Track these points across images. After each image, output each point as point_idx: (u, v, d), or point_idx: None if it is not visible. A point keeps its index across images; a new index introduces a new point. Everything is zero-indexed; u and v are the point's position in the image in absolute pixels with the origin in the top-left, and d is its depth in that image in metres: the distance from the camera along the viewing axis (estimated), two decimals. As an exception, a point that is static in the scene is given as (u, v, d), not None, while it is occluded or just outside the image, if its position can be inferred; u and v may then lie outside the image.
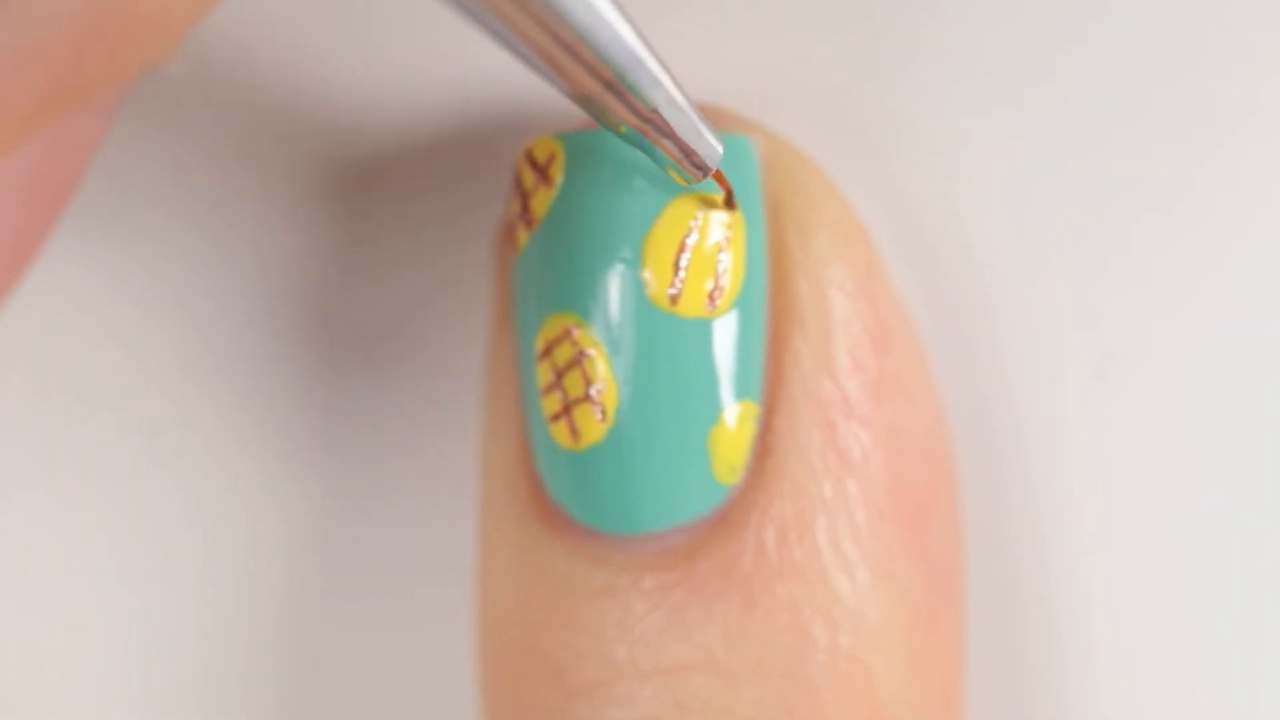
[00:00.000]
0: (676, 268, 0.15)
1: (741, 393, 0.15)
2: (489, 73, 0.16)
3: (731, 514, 0.15)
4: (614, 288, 0.15)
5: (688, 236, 0.15)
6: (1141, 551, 0.17)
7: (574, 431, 0.15)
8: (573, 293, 0.15)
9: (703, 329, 0.15)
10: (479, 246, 0.17)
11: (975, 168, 0.17)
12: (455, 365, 0.18)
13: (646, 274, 0.15)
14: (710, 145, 0.14)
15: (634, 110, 0.13)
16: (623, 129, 0.14)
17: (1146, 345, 0.17)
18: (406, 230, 0.17)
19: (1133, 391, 0.17)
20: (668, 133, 0.14)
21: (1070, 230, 0.17)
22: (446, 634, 0.18)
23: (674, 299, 0.15)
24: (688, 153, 0.14)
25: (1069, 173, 0.16)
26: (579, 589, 0.15)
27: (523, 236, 0.15)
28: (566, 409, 0.15)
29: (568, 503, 0.15)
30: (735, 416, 0.15)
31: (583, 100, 0.13)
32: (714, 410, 0.15)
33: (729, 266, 0.15)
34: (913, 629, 0.16)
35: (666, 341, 0.15)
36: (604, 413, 0.15)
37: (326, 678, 0.18)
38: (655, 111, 0.13)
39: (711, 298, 0.15)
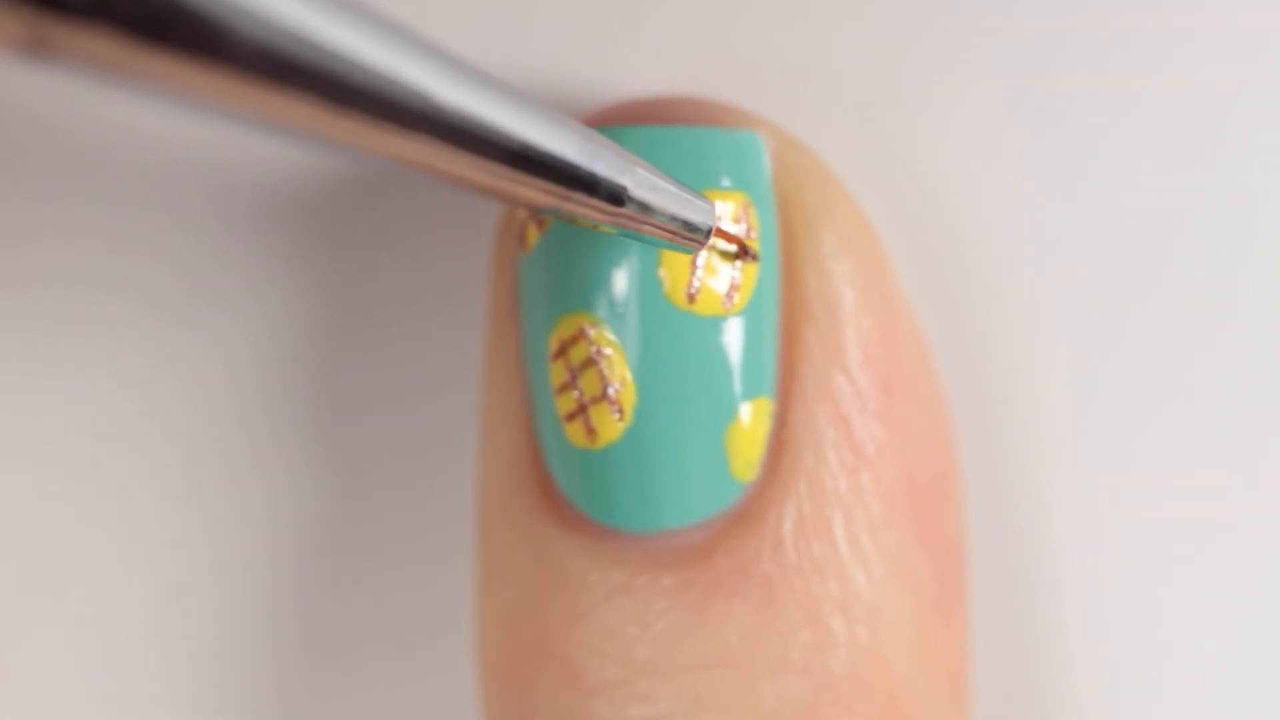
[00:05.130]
0: (694, 265, 0.15)
1: (757, 389, 0.15)
2: (493, 69, 0.16)
3: (748, 511, 0.15)
4: (631, 287, 0.15)
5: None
6: (1138, 536, 0.17)
7: (590, 431, 0.15)
8: (588, 292, 0.15)
9: (721, 326, 0.15)
10: (476, 244, 0.17)
11: (974, 165, 0.17)
12: (452, 364, 0.18)
13: (663, 272, 0.15)
14: (700, 208, 0.14)
15: (602, 210, 0.13)
16: (603, 228, 0.13)
17: (1146, 337, 0.17)
18: (403, 229, 0.17)
19: (1131, 381, 0.17)
20: (648, 216, 0.13)
21: (1069, 226, 0.17)
22: (445, 633, 0.18)
23: (692, 297, 0.15)
24: (681, 224, 0.14)
25: (1069, 170, 0.17)
26: (596, 588, 0.15)
27: (533, 235, 0.15)
28: (582, 408, 0.15)
29: (583, 502, 0.15)
30: (751, 413, 0.15)
31: (550, 213, 0.13)
32: (731, 407, 0.15)
33: (746, 263, 0.15)
34: (924, 618, 0.16)
35: (684, 340, 0.15)
36: (622, 412, 0.15)
37: (325, 678, 0.18)
38: (624, 202, 0.13)
39: (729, 295, 0.15)
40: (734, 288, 0.15)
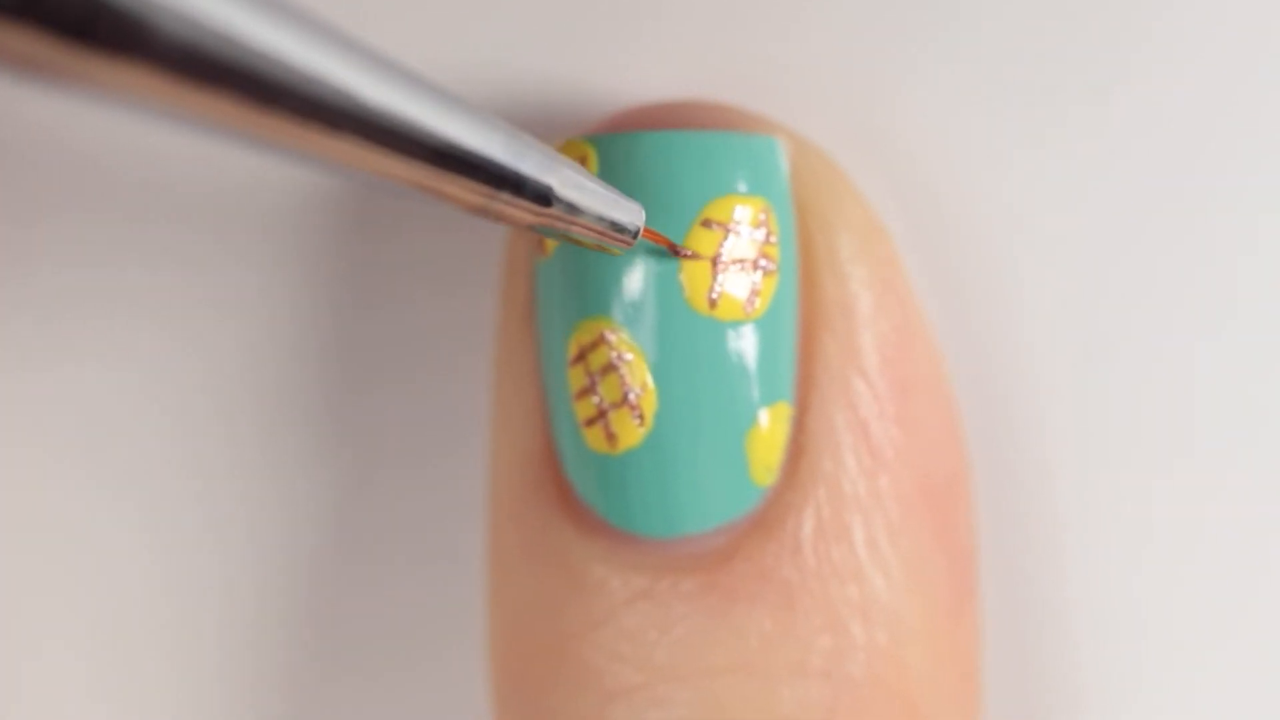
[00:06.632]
0: (714, 270, 0.15)
1: (776, 394, 0.15)
2: (510, 73, 0.16)
3: (768, 515, 0.15)
4: (652, 292, 0.15)
5: (725, 240, 0.15)
6: (1146, 535, 0.17)
7: (610, 436, 0.15)
8: (608, 297, 0.15)
9: (741, 331, 0.15)
10: (488, 249, 0.17)
11: (986, 169, 0.17)
12: (466, 364, 0.17)
13: (684, 277, 0.15)
14: (628, 208, 0.14)
15: (529, 210, 0.13)
16: (535, 228, 0.13)
17: (1153, 338, 0.17)
18: (414, 229, 0.17)
19: (1138, 382, 0.17)
20: (575, 216, 0.13)
21: (1080, 229, 0.17)
22: (455, 636, 0.18)
23: (713, 302, 0.15)
24: (609, 225, 0.14)
25: (1081, 174, 0.17)
26: (616, 593, 0.15)
27: (552, 240, 0.15)
28: (602, 413, 0.15)
29: (602, 507, 0.15)
30: (770, 418, 0.15)
31: (479, 213, 0.13)
32: (751, 412, 0.15)
33: (767, 268, 0.15)
34: (939, 620, 0.16)
35: (705, 345, 0.15)
36: (642, 417, 0.15)
37: (333, 679, 0.18)
38: (551, 202, 0.13)
39: (750, 300, 0.15)
40: (754, 293, 0.15)
